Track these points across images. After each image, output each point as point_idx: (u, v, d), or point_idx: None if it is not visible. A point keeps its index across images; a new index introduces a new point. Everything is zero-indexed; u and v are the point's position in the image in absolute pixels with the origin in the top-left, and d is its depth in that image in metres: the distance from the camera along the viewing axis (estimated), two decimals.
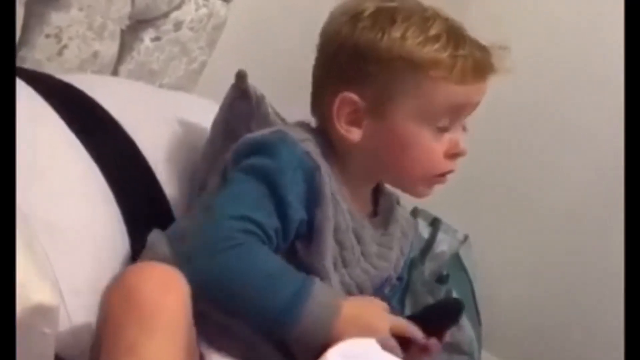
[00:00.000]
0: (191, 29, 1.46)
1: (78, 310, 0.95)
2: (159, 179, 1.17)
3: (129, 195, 1.10)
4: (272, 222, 0.98)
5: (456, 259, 2.01)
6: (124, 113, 1.18)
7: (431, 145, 1.06)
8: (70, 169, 1.04)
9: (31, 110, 1.03)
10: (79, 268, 0.97)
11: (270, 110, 1.17)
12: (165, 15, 1.41)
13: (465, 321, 1.91)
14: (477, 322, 1.98)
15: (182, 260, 0.95)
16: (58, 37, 1.25)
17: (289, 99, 1.31)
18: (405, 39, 1.03)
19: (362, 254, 1.08)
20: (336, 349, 0.91)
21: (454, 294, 1.92)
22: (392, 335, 0.99)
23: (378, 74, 1.04)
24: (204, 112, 1.27)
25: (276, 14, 1.75)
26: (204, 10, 1.47)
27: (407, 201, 1.23)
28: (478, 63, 1.05)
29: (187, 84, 1.52)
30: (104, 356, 0.87)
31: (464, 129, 1.10)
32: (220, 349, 0.97)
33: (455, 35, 1.05)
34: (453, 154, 1.08)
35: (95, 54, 1.32)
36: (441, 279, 1.94)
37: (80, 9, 1.26)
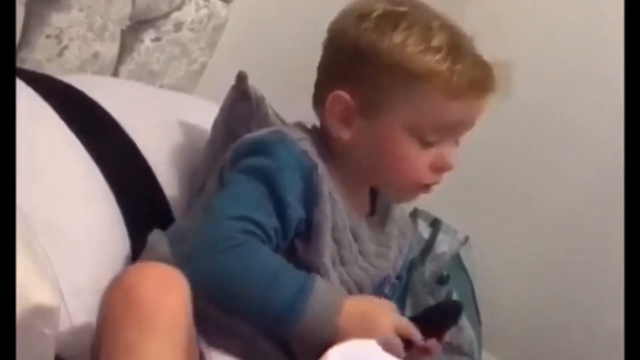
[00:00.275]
0: (191, 29, 1.46)
1: (78, 310, 0.95)
2: (159, 179, 1.17)
3: (129, 195, 1.10)
4: (271, 222, 0.98)
5: (457, 259, 2.01)
6: (124, 114, 1.18)
7: (415, 156, 1.05)
8: (70, 169, 1.04)
9: (31, 110, 1.03)
10: (79, 268, 0.98)
11: (270, 111, 1.18)
12: (166, 15, 1.41)
13: (465, 322, 1.91)
14: (477, 322, 1.98)
15: (183, 261, 0.96)
16: (58, 38, 1.25)
17: (289, 100, 1.31)
18: (405, 46, 1.02)
19: (360, 252, 1.09)
20: (337, 349, 0.91)
21: (455, 295, 1.92)
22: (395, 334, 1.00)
23: (373, 77, 1.04)
24: (204, 113, 1.28)
25: (276, 15, 1.75)
26: (204, 11, 1.47)
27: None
28: (475, 80, 1.03)
29: (187, 84, 1.52)
30: (104, 356, 0.87)
31: (457, 143, 1.08)
32: (220, 348, 0.97)
33: (457, 49, 1.03)
34: (439, 168, 1.07)
35: (95, 55, 1.32)
36: (441, 280, 1.94)
37: (81, 10, 1.26)
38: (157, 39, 1.42)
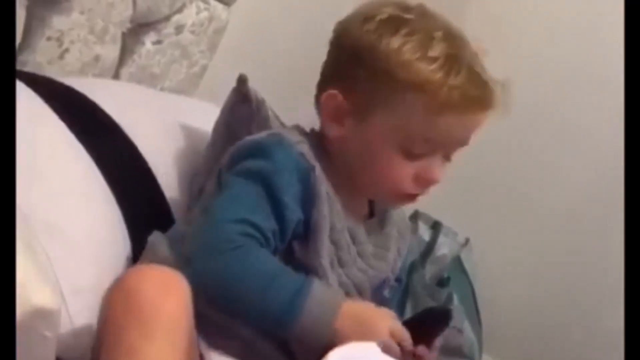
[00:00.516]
0: (192, 32, 1.46)
1: (79, 311, 0.95)
2: (160, 181, 1.18)
3: (129, 196, 1.11)
4: (269, 224, 0.98)
5: (457, 262, 2.01)
6: (124, 116, 1.19)
7: (398, 166, 1.04)
8: (70, 169, 1.05)
9: (31, 111, 1.03)
10: (80, 268, 0.98)
11: (270, 113, 1.18)
12: (167, 18, 1.42)
13: (465, 324, 1.91)
14: (477, 324, 1.98)
15: (182, 262, 0.96)
16: (59, 41, 1.26)
17: (290, 102, 1.32)
18: (401, 52, 1.02)
19: (359, 254, 1.09)
20: (336, 351, 0.91)
21: (455, 297, 1.92)
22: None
23: (366, 80, 1.04)
24: (204, 115, 1.28)
25: (277, 17, 1.76)
26: (205, 14, 1.47)
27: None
28: (466, 96, 1.01)
29: (188, 87, 1.52)
30: (104, 358, 0.87)
31: (448, 158, 1.07)
32: (220, 349, 0.97)
33: (454, 61, 1.02)
34: (423, 180, 1.06)
35: (96, 58, 1.33)
36: (442, 282, 1.94)
37: (82, 13, 1.27)
38: (158, 42, 1.42)
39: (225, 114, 1.20)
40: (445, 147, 1.06)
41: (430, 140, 1.03)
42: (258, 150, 1.03)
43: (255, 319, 0.97)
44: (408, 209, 1.28)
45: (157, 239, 1.05)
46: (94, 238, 1.02)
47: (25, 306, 0.78)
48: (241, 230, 0.96)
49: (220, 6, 1.49)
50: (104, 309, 0.91)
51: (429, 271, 1.94)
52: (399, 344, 0.98)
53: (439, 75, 1.00)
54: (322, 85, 1.10)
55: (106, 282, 0.94)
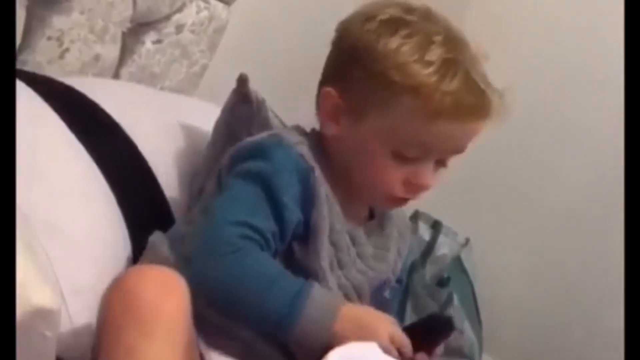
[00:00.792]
0: (192, 31, 1.46)
1: (79, 311, 0.95)
2: (160, 181, 1.18)
3: (129, 196, 1.11)
4: (269, 226, 0.98)
5: (457, 262, 2.01)
6: (125, 116, 1.19)
7: (387, 168, 1.03)
8: (70, 169, 1.05)
9: (31, 110, 1.03)
10: (80, 268, 0.97)
11: (270, 114, 1.18)
12: (167, 18, 1.42)
13: (466, 324, 1.91)
14: (478, 324, 1.98)
15: (182, 263, 0.96)
16: (59, 40, 1.26)
17: (290, 102, 1.32)
18: (398, 53, 1.01)
19: (358, 255, 1.08)
20: (336, 351, 0.91)
21: (455, 297, 1.92)
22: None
23: (362, 81, 1.03)
24: (204, 115, 1.28)
25: (277, 17, 1.76)
26: (205, 13, 1.47)
27: (408, 203, 1.23)
28: (459, 104, 1.00)
29: (188, 87, 1.52)
30: (103, 358, 0.87)
31: (443, 164, 1.06)
32: (219, 349, 0.97)
33: (450, 67, 1.00)
34: (412, 185, 1.05)
35: (96, 57, 1.33)
36: (442, 282, 1.95)
37: (82, 12, 1.27)
38: (158, 41, 1.42)
39: (226, 114, 1.20)
40: (439, 153, 1.05)
41: (422, 145, 1.02)
42: (258, 151, 1.03)
43: (255, 321, 0.96)
44: (408, 208, 1.27)
45: (158, 239, 1.05)
46: (94, 238, 1.02)
47: (26, 306, 0.78)
48: (241, 232, 0.96)
49: (220, 5, 1.49)
50: (103, 309, 0.91)
51: (429, 271, 1.94)
52: (399, 350, 0.97)
53: (433, 80, 0.99)
54: (322, 84, 1.10)
55: (106, 282, 0.93)
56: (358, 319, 0.97)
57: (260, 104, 1.17)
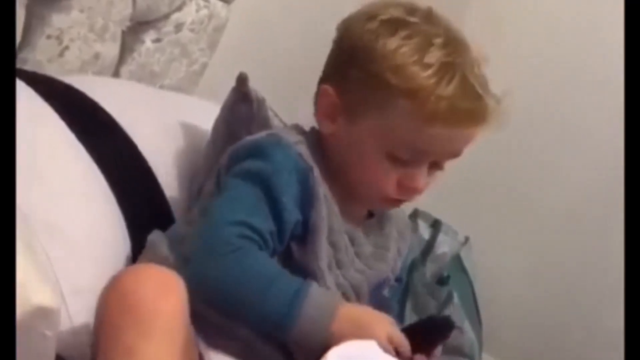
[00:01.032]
0: (192, 30, 1.46)
1: (79, 311, 0.95)
2: (160, 180, 1.18)
3: (129, 196, 1.11)
4: (268, 226, 0.98)
5: (457, 260, 2.01)
6: (124, 114, 1.19)
7: (380, 170, 1.03)
8: (70, 169, 1.05)
9: (31, 110, 1.03)
10: (80, 268, 0.98)
11: (270, 113, 1.18)
12: (166, 16, 1.41)
13: (466, 323, 1.91)
14: (477, 323, 1.98)
15: (181, 263, 0.96)
16: (59, 39, 1.26)
17: (289, 101, 1.32)
18: (396, 54, 1.00)
19: (356, 255, 1.08)
20: (335, 350, 0.91)
21: (455, 296, 1.92)
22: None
23: (359, 81, 1.03)
24: (204, 114, 1.28)
25: (277, 15, 1.75)
26: (204, 12, 1.47)
27: (408, 202, 1.23)
28: (455, 108, 0.99)
29: (187, 85, 1.52)
30: (101, 357, 0.87)
31: (439, 167, 1.06)
32: (219, 349, 0.97)
33: (448, 70, 0.99)
34: (406, 187, 1.04)
35: (96, 56, 1.33)
36: (442, 281, 1.94)
37: (82, 11, 1.26)
38: (157, 40, 1.42)
39: (225, 113, 1.20)
40: (434, 157, 1.04)
41: (417, 148, 1.02)
42: (257, 151, 1.03)
43: (254, 321, 0.97)
44: (408, 207, 1.28)
45: (157, 238, 1.05)
46: (94, 238, 1.02)
47: (26, 306, 0.78)
48: (239, 232, 0.96)
49: (219, 4, 1.49)
50: (101, 308, 0.90)
51: (429, 269, 1.94)
52: (396, 350, 0.97)
53: (429, 83, 0.98)
54: (322, 82, 1.10)
55: (106, 281, 0.93)
56: (356, 318, 0.97)
57: (260, 103, 1.17)
